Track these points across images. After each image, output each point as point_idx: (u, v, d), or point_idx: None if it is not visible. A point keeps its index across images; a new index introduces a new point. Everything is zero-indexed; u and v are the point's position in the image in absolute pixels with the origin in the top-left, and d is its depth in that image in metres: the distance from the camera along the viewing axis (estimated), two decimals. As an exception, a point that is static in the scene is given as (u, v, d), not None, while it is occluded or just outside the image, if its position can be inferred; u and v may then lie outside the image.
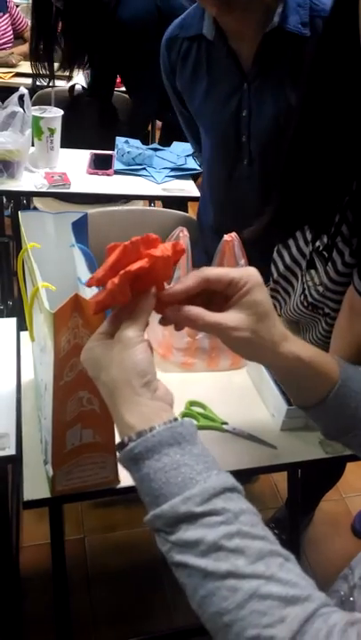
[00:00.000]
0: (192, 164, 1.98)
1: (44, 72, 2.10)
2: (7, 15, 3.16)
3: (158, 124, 2.67)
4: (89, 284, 0.57)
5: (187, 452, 0.50)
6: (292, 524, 1.50)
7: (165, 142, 2.09)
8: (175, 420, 0.52)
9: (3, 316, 1.77)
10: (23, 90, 1.71)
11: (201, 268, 0.61)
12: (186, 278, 0.61)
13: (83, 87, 2.41)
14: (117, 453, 0.52)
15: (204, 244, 1.50)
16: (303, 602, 0.43)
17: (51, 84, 2.17)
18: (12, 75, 2.80)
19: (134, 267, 0.53)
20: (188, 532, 0.46)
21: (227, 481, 0.49)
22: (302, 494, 1.61)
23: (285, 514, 1.65)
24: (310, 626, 0.42)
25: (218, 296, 0.62)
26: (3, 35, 3.13)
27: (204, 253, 1.46)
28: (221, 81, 1.15)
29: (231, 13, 1.02)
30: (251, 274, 0.61)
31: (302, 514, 1.72)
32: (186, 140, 2.03)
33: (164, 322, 0.62)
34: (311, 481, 1.64)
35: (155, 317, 1.14)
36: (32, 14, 2.05)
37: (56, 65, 2.11)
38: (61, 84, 2.59)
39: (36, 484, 0.82)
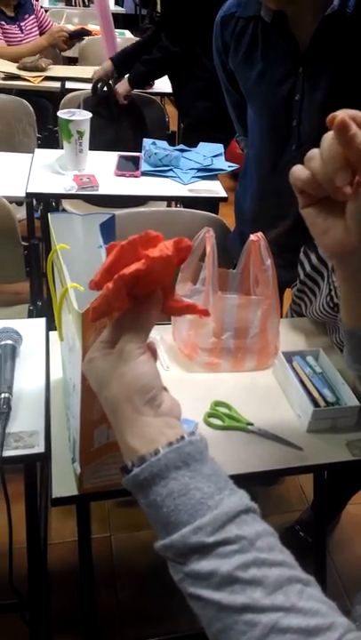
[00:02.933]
0: (219, 164, 1.98)
1: None
2: (33, 16, 3.24)
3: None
4: (90, 288, 0.54)
5: (196, 474, 0.47)
6: (317, 526, 1.49)
7: (188, 142, 2.10)
8: (182, 437, 0.48)
9: (33, 316, 1.80)
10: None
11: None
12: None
13: (108, 83, 2.44)
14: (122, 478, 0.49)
15: (240, 229, 1.49)
16: (326, 632, 0.41)
17: None
18: (41, 79, 2.84)
19: (129, 270, 0.49)
20: (201, 564, 0.44)
21: (240, 502, 0.47)
22: (329, 497, 1.59)
23: (311, 516, 1.64)
24: None
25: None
26: (27, 34, 3.21)
27: (238, 239, 1.44)
28: (276, 63, 1.14)
29: (291, 4, 1.01)
30: None
31: (328, 516, 1.70)
32: (209, 140, 2.06)
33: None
34: (338, 483, 1.62)
35: (182, 317, 1.14)
36: None
37: None
38: (89, 87, 2.63)
39: (64, 482, 0.84)
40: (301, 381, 1.03)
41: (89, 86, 2.60)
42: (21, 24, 3.16)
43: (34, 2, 3.25)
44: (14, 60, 2.93)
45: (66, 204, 2.30)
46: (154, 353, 0.54)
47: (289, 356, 1.08)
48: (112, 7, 4.96)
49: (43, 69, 2.88)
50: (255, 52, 1.16)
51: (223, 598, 0.43)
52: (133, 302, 0.53)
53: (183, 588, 0.46)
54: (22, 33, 3.18)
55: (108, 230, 0.80)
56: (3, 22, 3.09)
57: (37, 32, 3.27)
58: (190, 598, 0.45)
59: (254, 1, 1.11)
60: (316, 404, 0.99)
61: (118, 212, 1.54)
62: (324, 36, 1.05)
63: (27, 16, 3.18)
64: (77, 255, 0.80)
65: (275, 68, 1.14)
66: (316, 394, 1.01)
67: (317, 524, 1.49)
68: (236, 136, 1.57)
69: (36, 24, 3.26)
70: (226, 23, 1.20)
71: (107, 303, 0.51)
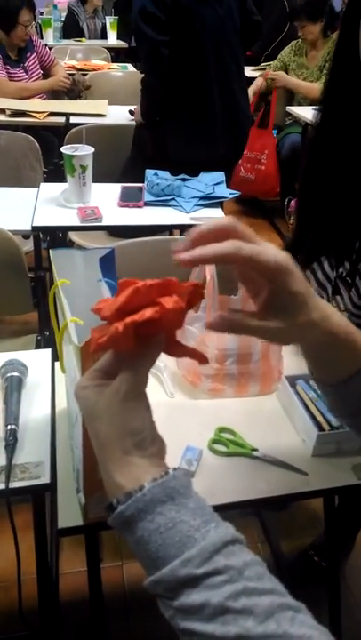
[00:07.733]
0: (220, 192, 2.02)
1: None
2: (34, 54, 3.29)
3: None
4: (95, 311, 0.51)
5: (182, 507, 0.47)
6: (330, 551, 1.47)
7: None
8: (166, 473, 0.49)
9: (40, 346, 1.82)
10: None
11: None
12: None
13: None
14: (108, 516, 0.49)
15: None
16: None
17: None
18: (46, 114, 2.92)
19: (142, 317, 0.48)
20: (192, 596, 0.44)
21: (226, 533, 0.47)
22: (343, 521, 1.58)
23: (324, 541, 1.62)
24: None
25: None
26: (31, 74, 3.26)
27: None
28: None
29: None
30: (280, 260, 0.51)
31: (343, 541, 1.68)
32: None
33: (209, 327, 0.54)
34: (351, 507, 1.61)
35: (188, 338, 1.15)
36: None
37: None
38: (93, 121, 2.70)
39: (70, 512, 0.85)
40: (305, 405, 1.04)
41: (93, 120, 2.66)
42: (25, 65, 3.24)
43: (33, 39, 3.30)
44: (18, 95, 3.03)
45: (73, 235, 2.35)
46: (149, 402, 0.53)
47: (292, 380, 1.09)
48: (114, 42, 5.07)
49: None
50: None
51: (216, 630, 0.43)
52: (136, 341, 0.51)
53: (175, 625, 0.46)
54: (27, 74, 3.25)
55: (107, 264, 0.83)
56: (8, 67, 3.16)
57: (40, 69, 3.35)
58: (183, 635, 0.45)
59: None
60: (320, 427, 0.99)
61: (124, 242, 1.58)
62: None
63: (29, 55, 3.25)
64: (78, 289, 0.83)
65: None
66: (320, 418, 1.01)
67: (329, 548, 1.48)
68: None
69: (37, 61, 3.33)
70: None
71: (113, 343, 0.50)
